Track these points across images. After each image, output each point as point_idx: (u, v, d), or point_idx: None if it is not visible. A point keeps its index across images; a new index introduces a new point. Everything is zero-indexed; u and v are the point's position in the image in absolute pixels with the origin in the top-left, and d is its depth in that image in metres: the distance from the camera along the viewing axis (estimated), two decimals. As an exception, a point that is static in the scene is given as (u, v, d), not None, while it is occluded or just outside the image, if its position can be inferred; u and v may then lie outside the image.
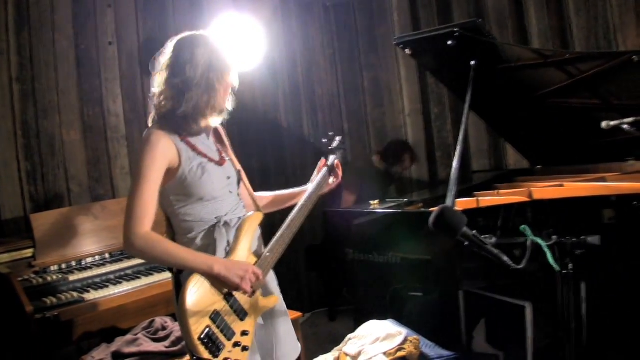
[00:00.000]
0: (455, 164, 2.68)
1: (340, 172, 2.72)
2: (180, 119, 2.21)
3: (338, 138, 2.85)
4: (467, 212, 2.82)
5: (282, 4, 5.65)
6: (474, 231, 1.83)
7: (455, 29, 3.12)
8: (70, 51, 4.18)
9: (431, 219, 1.84)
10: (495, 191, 3.72)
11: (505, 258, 1.81)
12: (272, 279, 2.46)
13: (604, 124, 2.77)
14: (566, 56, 3.18)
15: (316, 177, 2.66)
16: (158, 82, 2.25)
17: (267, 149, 5.47)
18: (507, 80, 3.48)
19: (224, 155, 2.38)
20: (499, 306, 3.39)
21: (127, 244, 2.10)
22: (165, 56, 2.24)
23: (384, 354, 3.05)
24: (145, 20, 4.61)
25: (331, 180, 2.70)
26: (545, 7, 5.06)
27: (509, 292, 3.36)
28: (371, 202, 3.73)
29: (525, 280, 3.12)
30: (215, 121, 2.34)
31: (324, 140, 2.87)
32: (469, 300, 3.62)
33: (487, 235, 1.87)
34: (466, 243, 1.84)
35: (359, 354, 3.13)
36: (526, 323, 3.24)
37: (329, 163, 2.72)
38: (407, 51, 3.56)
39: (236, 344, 2.15)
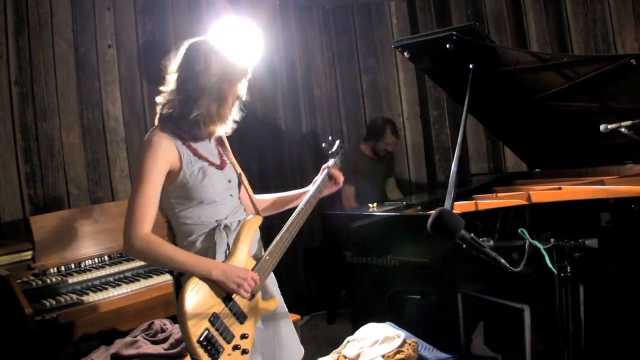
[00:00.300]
0: (453, 167, 2.69)
1: (340, 179, 2.73)
2: (186, 124, 2.21)
3: (337, 142, 2.87)
4: (465, 215, 2.82)
5: (281, 7, 5.65)
6: (472, 234, 1.84)
7: (453, 33, 3.14)
8: (69, 54, 4.17)
9: (429, 221, 1.85)
10: (494, 194, 3.73)
11: (503, 261, 1.82)
12: (272, 282, 2.46)
13: (602, 127, 2.79)
14: (564, 59, 3.19)
15: (317, 180, 2.67)
16: (170, 83, 2.25)
17: (266, 152, 5.47)
18: (505, 84, 3.49)
19: (224, 158, 2.38)
20: (497, 309, 3.39)
21: (127, 245, 2.10)
22: (179, 59, 2.24)
23: (383, 356, 3.05)
24: (144, 23, 4.61)
25: (331, 181, 2.72)
26: (543, 10, 5.07)
27: (507, 294, 3.35)
28: (370, 204, 3.73)
29: (523, 283, 3.12)
30: (220, 130, 2.34)
31: (324, 145, 2.89)
32: (468, 303, 3.62)
33: (484, 238, 1.88)
34: (464, 246, 1.84)
35: (358, 356, 3.13)
36: (524, 326, 3.24)
37: (329, 164, 2.74)
38: (406, 54, 3.57)
39: (236, 347, 2.15)
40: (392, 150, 5.38)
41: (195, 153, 2.24)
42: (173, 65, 2.25)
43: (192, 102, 2.18)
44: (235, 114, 2.34)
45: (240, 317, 2.20)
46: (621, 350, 3.34)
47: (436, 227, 1.84)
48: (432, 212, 1.87)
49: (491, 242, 1.86)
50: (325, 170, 2.70)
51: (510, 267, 1.81)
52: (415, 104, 5.94)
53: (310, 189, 2.62)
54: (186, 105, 2.19)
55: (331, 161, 2.77)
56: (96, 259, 3.56)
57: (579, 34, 4.89)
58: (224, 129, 2.35)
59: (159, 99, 2.27)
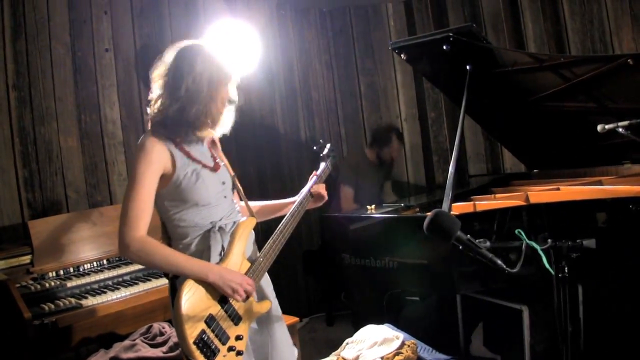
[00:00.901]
0: (451, 168, 2.69)
1: (323, 197, 2.71)
2: (177, 128, 2.22)
3: (328, 145, 2.87)
4: (463, 216, 2.82)
5: (278, 10, 5.66)
6: (468, 235, 1.84)
7: (450, 34, 3.14)
8: (66, 58, 4.17)
9: (425, 223, 1.85)
10: (492, 195, 3.73)
11: (499, 262, 1.82)
12: (267, 284, 2.47)
13: (599, 128, 2.79)
14: (561, 60, 3.19)
15: (303, 191, 2.67)
16: (157, 89, 2.26)
17: (263, 154, 5.47)
18: (503, 85, 3.49)
19: (218, 160, 2.39)
20: (496, 310, 3.39)
21: (122, 248, 2.11)
22: (165, 64, 2.25)
23: (382, 358, 3.05)
24: (141, 26, 4.61)
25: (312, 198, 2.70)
26: (540, 10, 5.08)
27: (506, 295, 3.36)
28: (368, 206, 3.73)
29: (522, 283, 3.12)
30: (213, 131, 2.35)
31: (314, 148, 2.88)
32: (466, 304, 3.62)
33: (481, 239, 1.88)
34: (460, 247, 1.85)
35: (357, 358, 3.13)
36: (523, 327, 3.24)
37: (318, 171, 2.75)
38: (403, 56, 3.57)
39: (231, 349, 2.16)
40: (396, 156, 5.38)
41: (189, 156, 2.25)
42: (160, 71, 2.25)
43: (181, 105, 2.19)
44: (228, 115, 2.35)
45: (235, 319, 2.21)
46: (620, 350, 3.33)
47: (432, 228, 1.85)
48: (429, 213, 1.88)
49: (487, 244, 1.86)
50: (314, 178, 2.71)
51: (507, 268, 1.81)
52: (413, 105, 5.95)
53: (297, 199, 2.63)
54: (177, 110, 2.19)
55: (322, 165, 2.77)
56: (95, 263, 3.56)
57: (576, 34, 4.90)
58: (216, 131, 2.36)
59: (150, 105, 2.27)
